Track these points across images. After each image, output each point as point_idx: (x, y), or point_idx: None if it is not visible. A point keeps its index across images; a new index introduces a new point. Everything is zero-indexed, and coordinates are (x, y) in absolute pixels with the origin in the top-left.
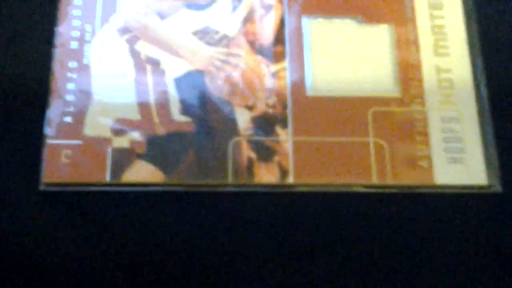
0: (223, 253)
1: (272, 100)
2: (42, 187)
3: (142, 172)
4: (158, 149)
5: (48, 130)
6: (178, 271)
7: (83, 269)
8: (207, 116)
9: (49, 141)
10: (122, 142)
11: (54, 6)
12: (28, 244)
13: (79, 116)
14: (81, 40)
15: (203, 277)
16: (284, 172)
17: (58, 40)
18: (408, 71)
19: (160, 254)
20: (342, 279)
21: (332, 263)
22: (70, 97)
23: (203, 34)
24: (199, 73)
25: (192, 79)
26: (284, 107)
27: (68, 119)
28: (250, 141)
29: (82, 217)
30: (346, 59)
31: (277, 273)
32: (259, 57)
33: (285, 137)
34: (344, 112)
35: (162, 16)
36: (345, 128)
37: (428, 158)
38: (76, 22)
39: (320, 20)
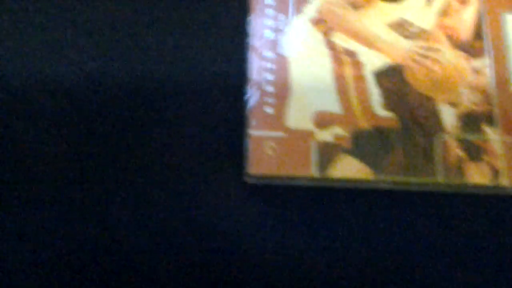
0: (428, 256)
1: (476, 97)
2: (247, 179)
3: (348, 167)
4: (363, 144)
5: (250, 121)
6: (380, 270)
7: (284, 262)
8: (410, 112)
9: (252, 132)
10: (325, 135)
11: None
12: (233, 234)
13: (280, 107)
14: (276, 30)
15: (407, 278)
16: (495, 173)
17: (252, 30)
18: None
19: (362, 253)
20: None
21: None
22: (269, 88)
23: (399, 27)
24: (398, 66)
25: (391, 73)
26: (489, 104)
27: (269, 110)
28: (457, 139)
29: (287, 210)
30: None
31: (480, 280)
32: (459, 52)
33: (494, 136)
34: None
35: (355, 7)
36: None
37: None
38: (269, 12)
39: None
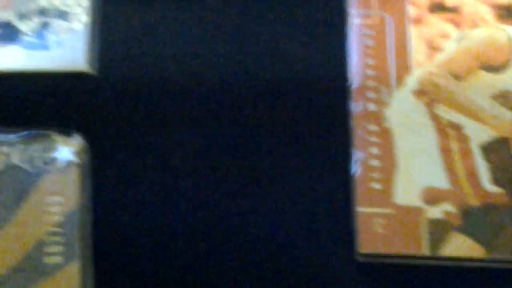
0: None
1: None
2: (358, 258)
3: (460, 246)
4: (474, 221)
5: (358, 197)
6: None
7: None
8: None
9: (360, 209)
10: (435, 212)
11: (345, 64)
12: None
13: (387, 182)
14: (378, 102)
15: None
16: None
17: (354, 101)
18: None
19: None
20: None
21: None
22: (374, 162)
23: (502, 98)
24: (505, 140)
25: (498, 147)
26: None
27: (376, 185)
28: None
29: None
30: None
31: None
32: None
33: None
34: None
35: (457, 77)
36: None
37: None
38: (370, 83)
39: None
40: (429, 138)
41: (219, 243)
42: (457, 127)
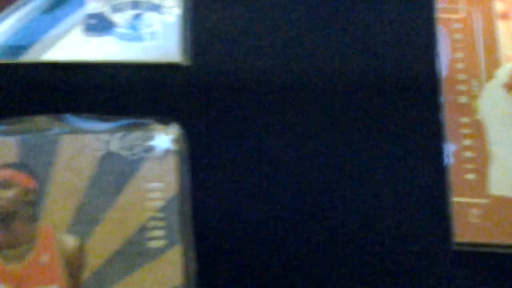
0: None
1: None
2: (453, 247)
3: None
4: None
5: (452, 188)
6: None
7: None
8: None
9: (456, 199)
10: None
11: (435, 58)
12: None
13: (481, 173)
14: (469, 95)
15: None
16: None
17: (445, 94)
18: None
19: None
20: None
21: None
22: (468, 154)
23: None
24: None
25: None
26: None
27: (470, 176)
28: None
29: (495, 278)
30: None
31: None
32: None
33: None
34: None
35: None
36: None
37: None
38: (460, 76)
39: None
40: None
41: (316, 231)
42: None
